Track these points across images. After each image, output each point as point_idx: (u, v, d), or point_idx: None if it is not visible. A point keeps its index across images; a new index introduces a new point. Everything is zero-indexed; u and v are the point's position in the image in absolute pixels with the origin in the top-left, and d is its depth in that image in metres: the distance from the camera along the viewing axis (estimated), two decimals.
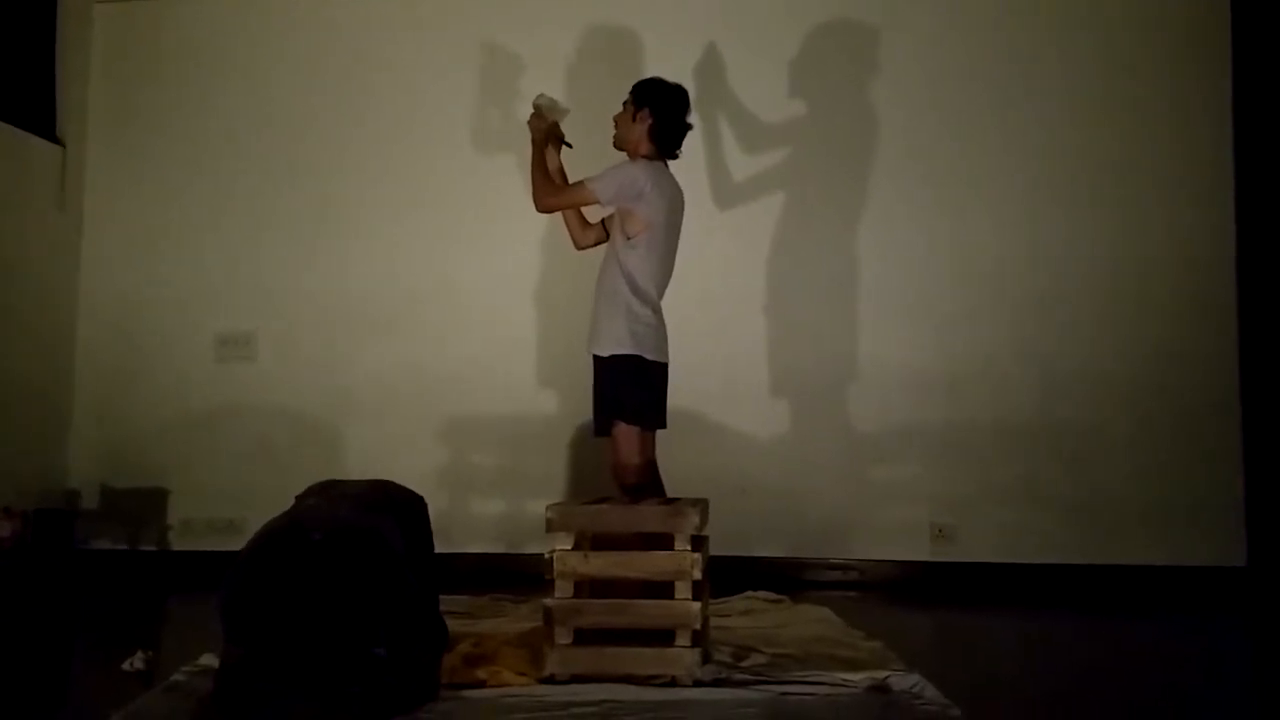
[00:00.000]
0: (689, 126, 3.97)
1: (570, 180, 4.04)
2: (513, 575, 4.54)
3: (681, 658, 2.98)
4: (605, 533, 3.15)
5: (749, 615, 4.04)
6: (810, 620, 3.93)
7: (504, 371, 5.13)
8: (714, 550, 3.28)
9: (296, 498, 3.03)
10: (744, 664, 3.17)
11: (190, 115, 5.36)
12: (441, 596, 3.07)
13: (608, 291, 3.84)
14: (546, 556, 3.04)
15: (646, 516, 3.13)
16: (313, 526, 2.74)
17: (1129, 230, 5.00)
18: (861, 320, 5.05)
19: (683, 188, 3.98)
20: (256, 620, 2.61)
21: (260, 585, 2.64)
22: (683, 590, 2.99)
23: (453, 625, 3.15)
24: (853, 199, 5.09)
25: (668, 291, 3.91)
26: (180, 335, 5.27)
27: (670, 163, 3.95)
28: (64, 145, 5.24)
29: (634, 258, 3.80)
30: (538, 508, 3.22)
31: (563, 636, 3.00)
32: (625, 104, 3.95)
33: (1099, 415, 4.94)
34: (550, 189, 3.99)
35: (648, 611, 3.02)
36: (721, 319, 5.00)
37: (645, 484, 3.79)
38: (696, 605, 2.99)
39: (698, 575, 2.99)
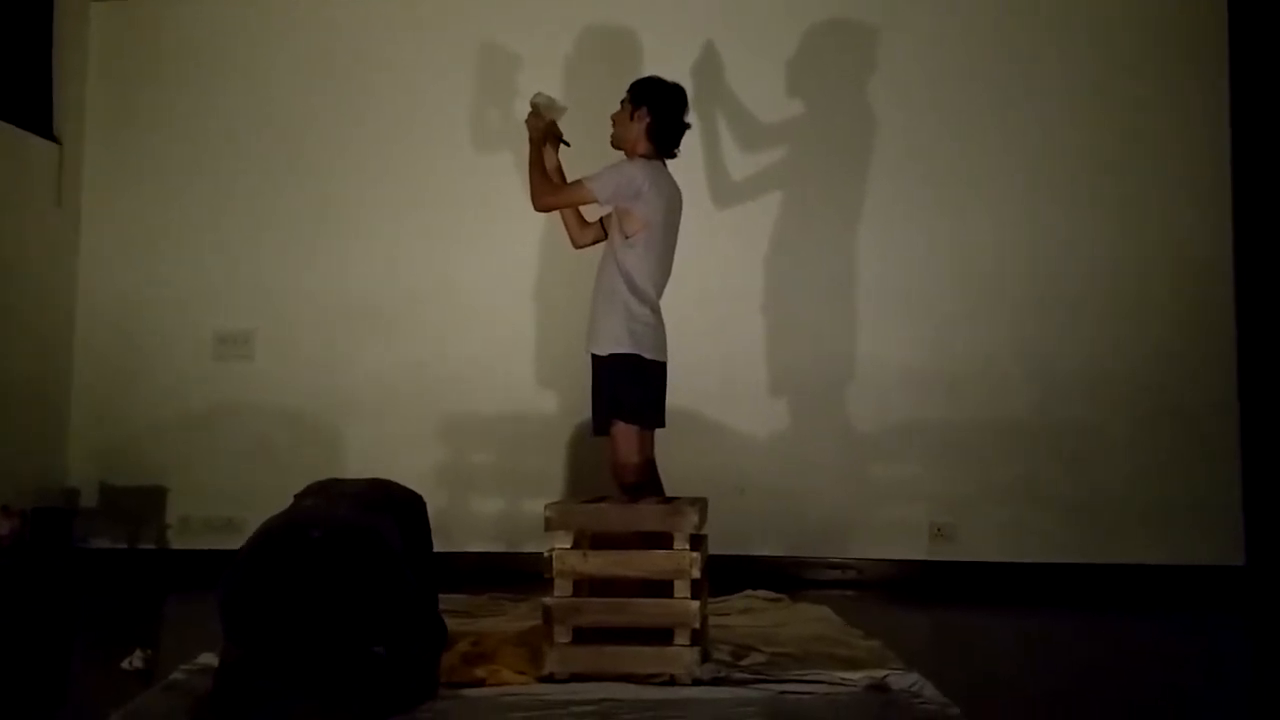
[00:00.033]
0: (687, 125, 3.97)
1: (568, 179, 4.04)
2: (512, 574, 4.54)
3: (680, 656, 2.98)
4: (604, 532, 3.15)
5: (748, 614, 4.04)
6: (809, 619, 3.93)
7: (503, 371, 5.13)
8: (713, 549, 3.28)
9: (295, 496, 3.03)
10: (743, 663, 3.17)
11: (189, 114, 5.35)
12: (440, 595, 3.07)
13: (606, 291, 3.84)
14: (545, 555, 3.04)
15: (645, 515, 3.13)
16: (312, 525, 2.74)
17: (1128, 230, 5.01)
18: (861, 320, 5.05)
19: (681, 187, 3.98)
20: (255, 619, 2.61)
21: (259, 584, 2.63)
22: (682, 589, 2.99)
23: (452, 624, 3.15)
24: (852, 198, 5.09)
25: (666, 291, 3.91)
26: (179, 334, 5.26)
27: (669, 162, 3.95)
28: (61, 143, 5.23)
29: (632, 257, 3.80)
30: (537, 507, 3.22)
31: (562, 635, 3.00)
32: (623, 103, 3.95)
33: (1098, 415, 4.95)
34: (548, 188, 3.99)
35: (647, 610, 3.02)
36: (720, 318, 5.00)
37: (644, 483, 3.79)
38: (695, 604, 3.00)
39: (696, 574, 2.99)
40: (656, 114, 3.88)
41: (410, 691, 2.73)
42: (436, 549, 3.12)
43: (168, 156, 5.36)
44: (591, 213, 4.10)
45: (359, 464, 4.87)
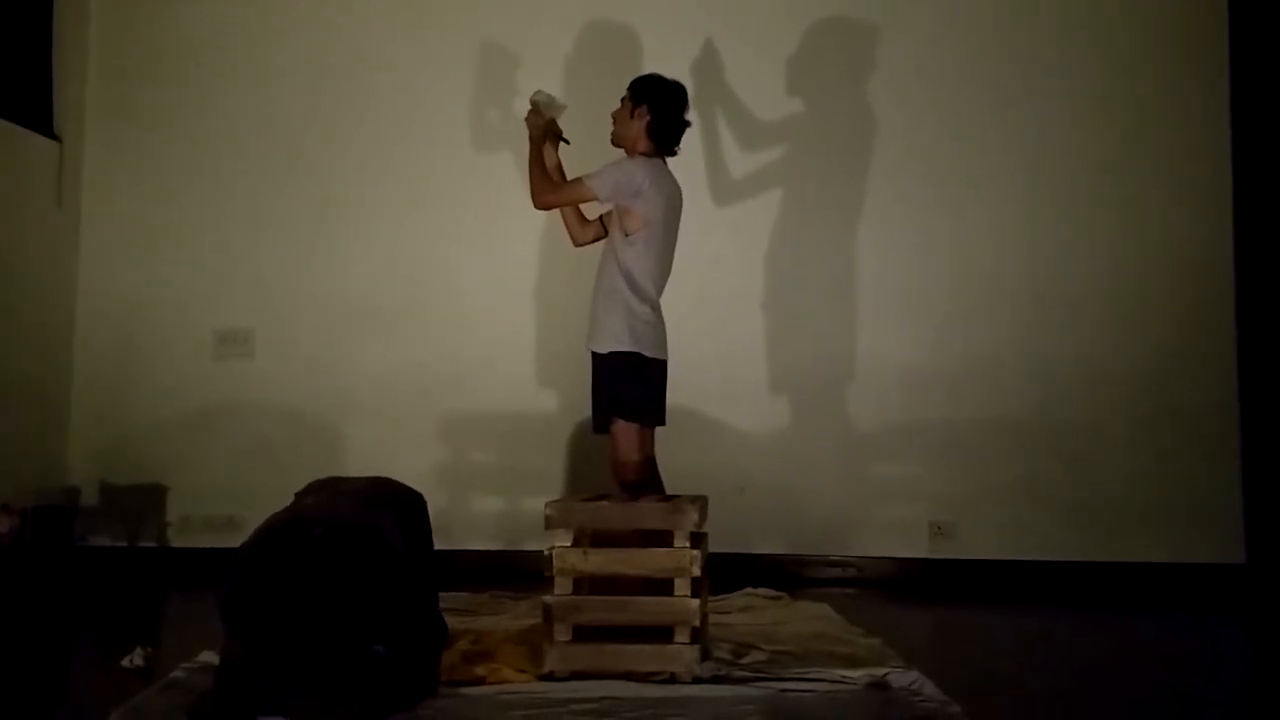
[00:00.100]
0: (687, 123, 3.97)
1: (568, 177, 4.04)
2: (512, 572, 4.54)
3: (681, 654, 2.98)
4: (604, 530, 3.15)
5: (748, 612, 4.04)
6: (809, 617, 3.93)
7: (503, 369, 5.13)
8: (713, 547, 3.28)
9: (296, 495, 3.03)
10: (743, 661, 3.18)
11: (190, 113, 5.35)
12: (441, 593, 3.08)
13: (606, 289, 3.84)
14: (546, 553, 3.04)
15: (646, 513, 3.14)
16: (313, 523, 2.74)
17: (1128, 230, 5.01)
18: (861, 319, 5.05)
19: (681, 185, 3.98)
20: (256, 616, 2.61)
21: (260, 581, 2.63)
22: (682, 587, 2.99)
23: (452, 622, 3.15)
24: (852, 198, 5.10)
25: (666, 289, 3.91)
26: (179, 333, 5.26)
27: (669, 160, 3.95)
28: (61, 141, 5.24)
29: (632, 255, 3.80)
30: (537, 505, 3.22)
31: (562, 633, 3.00)
32: (623, 101, 3.95)
33: (1098, 414, 4.95)
34: (548, 186, 3.99)
35: (647, 608, 3.02)
36: (720, 316, 5.01)
37: (644, 481, 3.80)
38: (695, 602, 3.00)
39: (697, 572, 3.00)
40: (657, 112, 3.88)
41: (411, 689, 2.73)
42: (437, 547, 3.12)
43: (168, 156, 5.35)
44: (592, 210, 4.09)
45: (359, 463, 4.87)
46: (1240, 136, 4.94)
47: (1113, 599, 4.66)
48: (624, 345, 3.78)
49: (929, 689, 2.89)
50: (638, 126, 3.89)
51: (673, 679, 2.95)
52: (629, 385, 3.79)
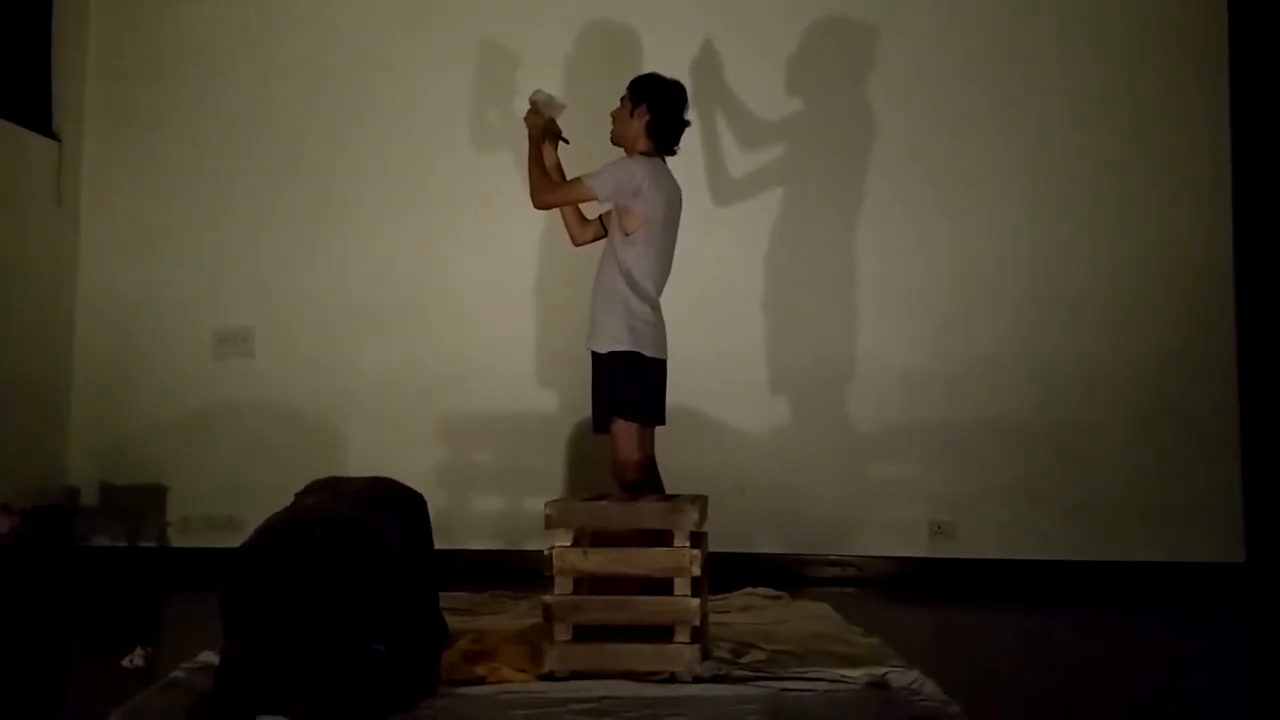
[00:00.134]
0: (687, 123, 3.97)
1: (567, 176, 4.04)
2: (512, 572, 4.54)
3: (681, 654, 2.98)
4: (604, 529, 3.15)
5: (748, 612, 4.04)
6: (809, 617, 3.93)
7: (503, 369, 5.13)
8: (713, 547, 3.28)
9: (296, 495, 3.03)
10: (743, 660, 3.18)
11: (190, 113, 5.35)
12: (441, 593, 3.08)
13: (606, 288, 3.84)
14: (546, 553, 3.04)
15: (645, 513, 3.13)
16: (313, 523, 2.74)
17: (1128, 230, 5.01)
18: (861, 318, 5.05)
19: (681, 185, 3.98)
20: (257, 616, 2.61)
21: (260, 581, 2.63)
22: (682, 587, 2.99)
23: (452, 622, 3.15)
24: (852, 197, 5.10)
25: (666, 288, 3.91)
26: (179, 333, 5.27)
27: (668, 159, 3.95)
28: (60, 141, 5.24)
29: (632, 254, 3.80)
30: (537, 505, 3.22)
31: (562, 633, 3.00)
32: (623, 100, 3.95)
33: (1098, 414, 4.95)
34: (547, 185, 3.99)
35: (647, 608, 3.02)
36: (720, 316, 5.01)
37: (644, 480, 3.79)
38: (695, 601, 3.00)
39: (697, 572, 3.00)
40: (656, 111, 3.88)
41: (411, 689, 2.73)
42: (437, 547, 3.12)
43: (168, 156, 5.36)
44: (591, 210, 4.09)
45: (359, 463, 4.87)
46: (1240, 136, 4.94)
47: (1113, 598, 4.66)
48: (624, 345, 3.78)
49: (929, 688, 2.89)
50: (637, 126, 3.89)
51: (673, 678, 2.95)
52: (629, 385, 3.79)
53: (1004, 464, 4.95)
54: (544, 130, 4.05)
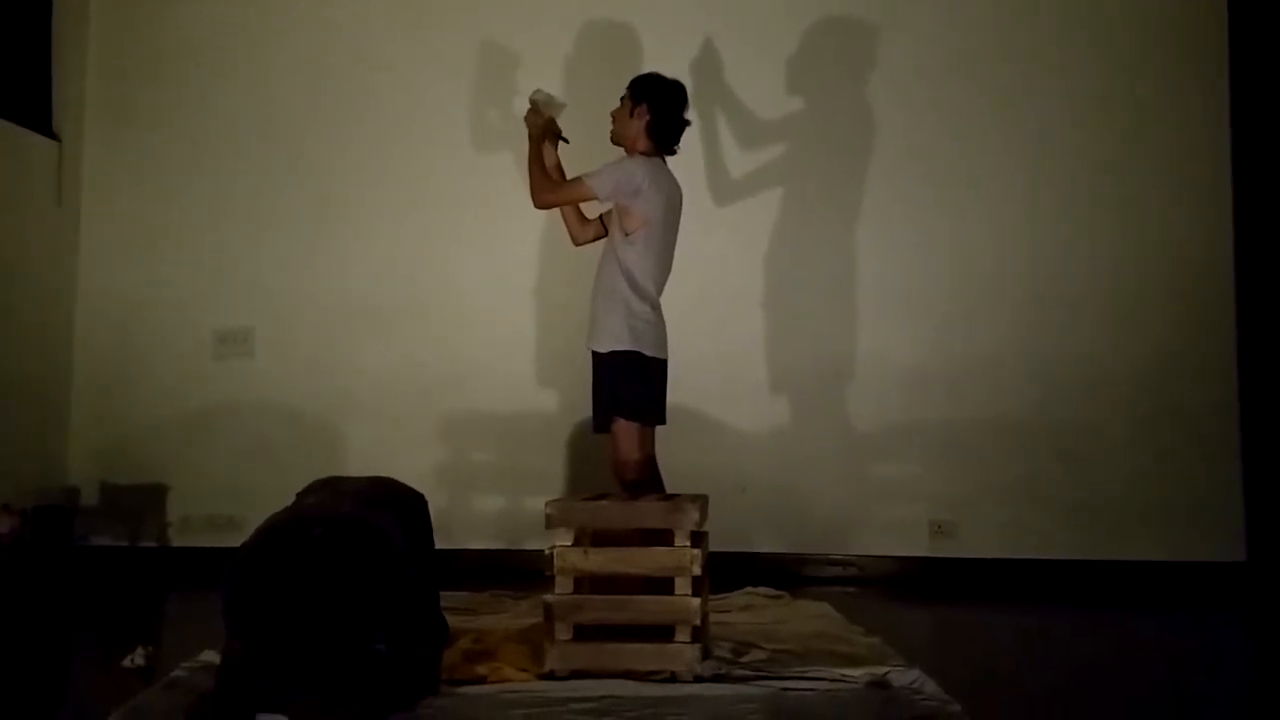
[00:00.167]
0: (687, 122, 3.97)
1: (568, 176, 4.04)
2: (513, 571, 4.54)
3: (681, 653, 2.98)
4: (605, 529, 3.15)
5: (749, 611, 4.04)
6: (810, 616, 3.93)
7: (503, 369, 5.13)
8: (713, 546, 3.28)
9: (297, 495, 3.03)
10: (744, 660, 3.18)
11: (190, 113, 5.35)
12: (442, 593, 3.07)
13: (606, 288, 3.84)
14: (546, 553, 3.04)
15: (646, 512, 3.13)
16: (314, 522, 2.73)
17: (1128, 230, 5.01)
18: (861, 318, 5.06)
19: (681, 185, 3.98)
20: (257, 615, 2.60)
21: (261, 580, 2.63)
22: (682, 586, 2.99)
23: (453, 621, 3.15)
24: (852, 197, 5.10)
25: (666, 288, 3.91)
26: (179, 333, 5.27)
27: (668, 159, 3.95)
28: (60, 141, 5.24)
29: (632, 254, 3.80)
30: (537, 504, 3.23)
31: (563, 632, 3.00)
32: (623, 99, 3.95)
33: (1098, 414, 4.95)
34: (548, 185, 3.99)
35: (648, 607, 3.02)
36: (720, 316, 5.01)
37: (645, 480, 3.80)
38: (696, 601, 3.00)
39: (697, 571, 2.99)
40: (656, 111, 3.88)
41: (411, 688, 2.73)
42: (438, 547, 3.11)
43: (168, 156, 5.36)
44: (592, 209, 4.09)
45: (359, 463, 4.87)
46: (1240, 136, 4.94)
47: (1113, 598, 4.66)
48: (624, 344, 3.78)
49: (929, 687, 2.89)
50: (637, 125, 3.89)
51: (673, 678, 2.95)
52: (629, 384, 3.79)
53: (1004, 464, 4.95)
54: (544, 130, 4.05)
